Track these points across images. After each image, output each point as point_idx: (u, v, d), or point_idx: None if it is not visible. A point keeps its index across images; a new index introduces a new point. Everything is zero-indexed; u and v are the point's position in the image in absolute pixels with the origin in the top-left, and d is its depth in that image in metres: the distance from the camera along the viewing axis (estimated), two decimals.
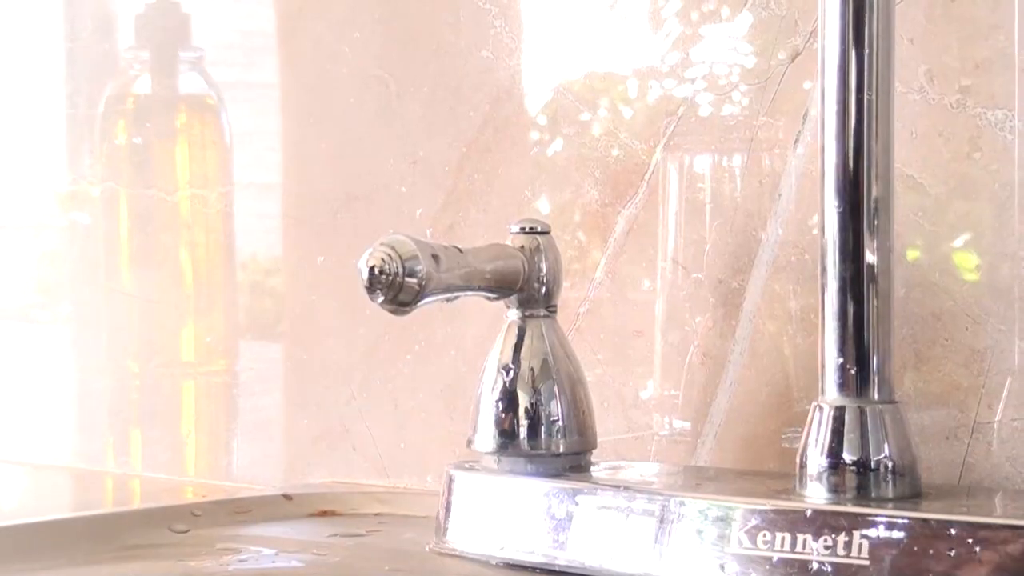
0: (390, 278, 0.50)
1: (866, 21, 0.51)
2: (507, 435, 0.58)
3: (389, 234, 0.53)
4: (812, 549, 0.49)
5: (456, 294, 0.55)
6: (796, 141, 0.63)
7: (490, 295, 0.57)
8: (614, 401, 0.68)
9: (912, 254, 0.59)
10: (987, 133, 0.57)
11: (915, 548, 0.47)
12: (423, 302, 0.52)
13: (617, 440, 0.67)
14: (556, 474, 0.58)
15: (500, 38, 0.73)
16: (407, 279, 0.50)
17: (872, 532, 0.48)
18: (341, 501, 0.72)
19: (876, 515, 0.48)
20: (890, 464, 0.51)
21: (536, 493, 0.57)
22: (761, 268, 0.63)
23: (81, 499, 0.88)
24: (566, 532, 0.56)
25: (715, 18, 0.66)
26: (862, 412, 0.51)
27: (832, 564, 0.49)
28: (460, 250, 0.54)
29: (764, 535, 0.50)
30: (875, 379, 0.52)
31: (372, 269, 0.51)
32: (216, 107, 0.88)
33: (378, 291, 0.50)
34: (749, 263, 0.64)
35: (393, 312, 0.51)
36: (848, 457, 0.51)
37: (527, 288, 0.58)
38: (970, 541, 0.46)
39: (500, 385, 0.59)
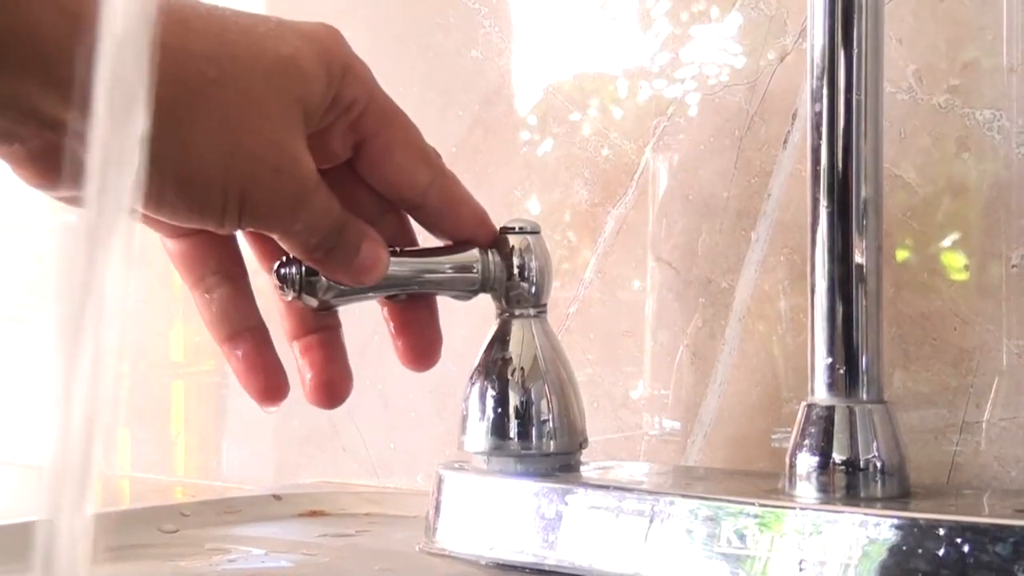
0: (292, 275, 0.52)
1: (855, 21, 0.51)
2: (497, 435, 0.58)
3: None
4: (802, 548, 0.49)
5: (396, 291, 0.55)
6: (785, 141, 0.63)
7: (451, 292, 0.57)
8: (604, 401, 0.68)
9: (901, 254, 0.59)
10: (975, 133, 0.57)
11: (904, 548, 0.47)
12: (343, 299, 0.53)
13: (607, 440, 0.67)
14: (546, 474, 0.58)
15: (490, 38, 0.73)
16: (309, 276, 0.52)
17: (861, 532, 0.48)
18: (331, 501, 0.72)
19: (865, 515, 0.49)
20: (879, 464, 0.51)
21: (526, 493, 0.57)
22: (751, 268, 0.64)
23: None
24: (556, 532, 0.56)
25: (704, 18, 0.66)
26: (851, 412, 0.51)
27: (821, 564, 0.49)
28: (396, 248, 0.54)
29: (753, 535, 0.51)
30: (864, 379, 0.52)
31: (277, 268, 0.52)
32: None
33: (286, 288, 0.52)
34: (738, 263, 0.64)
35: (315, 309, 0.53)
36: (837, 457, 0.51)
37: (497, 286, 0.58)
38: (959, 540, 0.46)
39: (489, 385, 0.59)
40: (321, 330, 0.53)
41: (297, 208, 0.46)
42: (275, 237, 0.48)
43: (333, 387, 0.53)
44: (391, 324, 0.55)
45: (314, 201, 0.47)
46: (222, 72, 0.43)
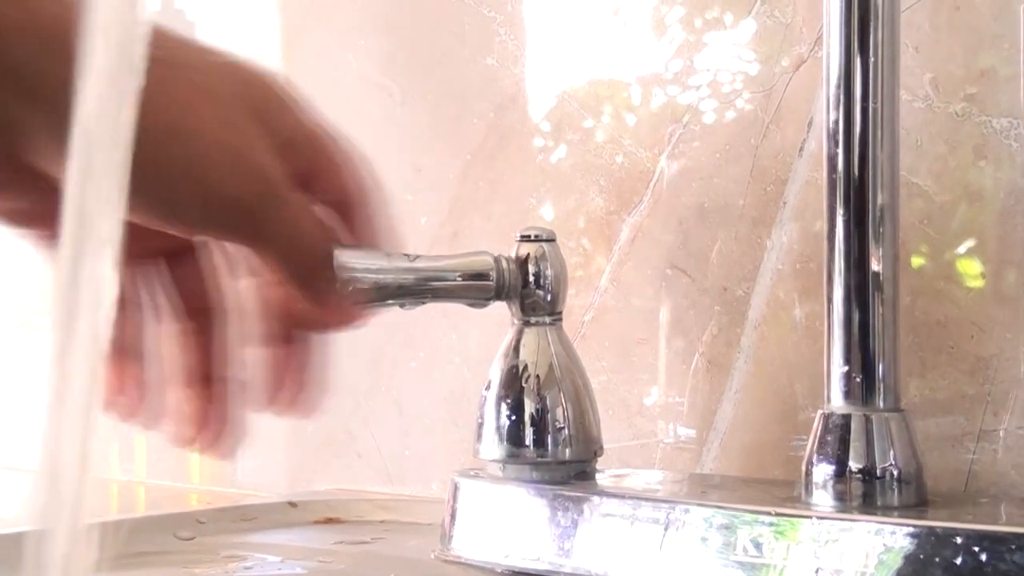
0: None
1: (871, 29, 0.51)
2: (512, 442, 0.58)
3: None
4: (818, 557, 0.49)
5: (411, 299, 0.55)
6: (801, 149, 0.63)
7: (465, 300, 0.57)
8: (619, 408, 0.68)
9: (917, 261, 0.59)
10: (992, 141, 0.57)
11: (921, 556, 0.47)
12: (356, 306, 0.54)
13: (622, 447, 0.67)
14: (561, 482, 0.58)
15: (505, 46, 0.73)
16: None
17: (878, 540, 0.48)
18: (346, 508, 0.72)
19: (882, 523, 0.48)
20: (896, 472, 0.51)
21: (541, 500, 0.57)
22: (766, 276, 0.63)
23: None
24: (571, 540, 0.56)
25: (719, 26, 0.66)
26: (868, 420, 0.51)
27: (837, 572, 0.48)
28: (410, 256, 0.55)
29: (769, 543, 0.50)
30: (881, 387, 0.52)
31: None
32: None
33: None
34: (754, 271, 0.64)
35: None
36: (854, 465, 0.51)
37: (512, 293, 0.58)
38: (976, 549, 0.46)
39: (505, 393, 0.59)
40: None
41: (264, 207, 0.42)
42: (250, 250, 0.44)
43: (304, 396, 0.48)
44: (265, 365, 0.48)
45: (286, 206, 0.43)
46: (170, 60, 0.41)
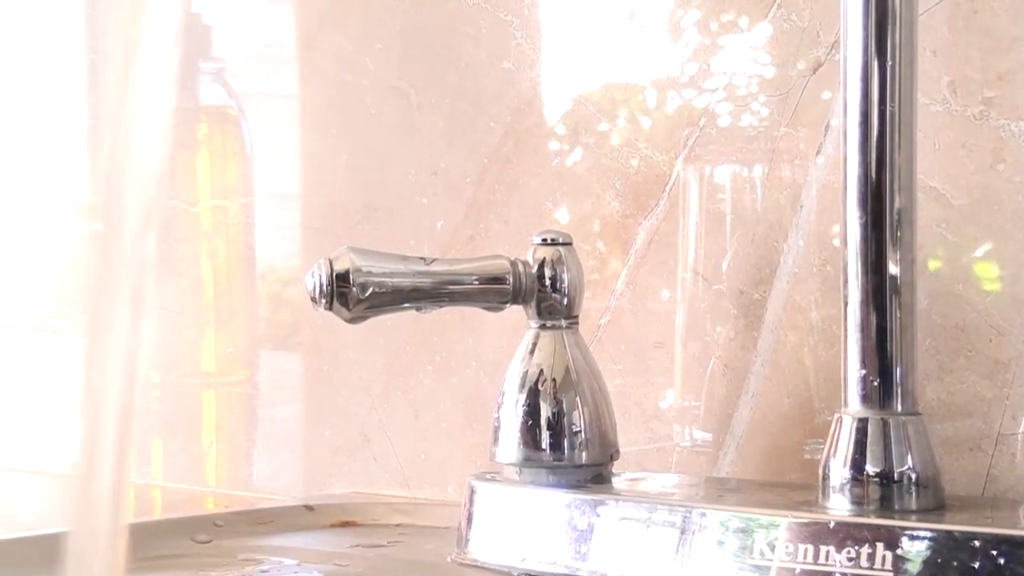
0: (323, 285, 0.53)
1: (889, 32, 0.51)
2: (529, 446, 0.58)
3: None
4: (835, 561, 0.49)
5: (427, 302, 0.55)
6: (818, 152, 0.63)
7: (482, 303, 0.57)
8: (635, 412, 0.68)
9: (934, 265, 0.59)
10: (1010, 144, 0.57)
11: (939, 560, 0.47)
12: (375, 310, 0.54)
13: (638, 451, 0.67)
14: (577, 485, 0.58)
15: (521, 49, 0.73)
16: (340, 287, 0.53)
17: (895, 544, 0.48)
18: (362, 512, 0.72)
19: (899, 527, 0.48)
20: (913, 476, 0.51)
21: (557, 504, 0.57)
22: (783, 279, 0.63)
23: None
24: (587, 543, 0.56)
25: (735, 29, 0.66)
26: (885, 424, 0.51)
27: None
28: (426, 259, 0.55)
29: (786, 547, 0.50)
30: (898, 391, 0.52)
31: (307, 278, 0.53)
32: (237, 118, 0.88)
33: (317, 299, 0.53)
34: (770, 274, 0.64)
35: (347, 321, 0.54)
36: (871, 469, 0.51)
37: (528, 297, 0.58)
38: (994, 553, 0.46)
39: (521, 396, 0.59)
40: None
41: None
42: None
43: None
44: None
45: None
46: None
